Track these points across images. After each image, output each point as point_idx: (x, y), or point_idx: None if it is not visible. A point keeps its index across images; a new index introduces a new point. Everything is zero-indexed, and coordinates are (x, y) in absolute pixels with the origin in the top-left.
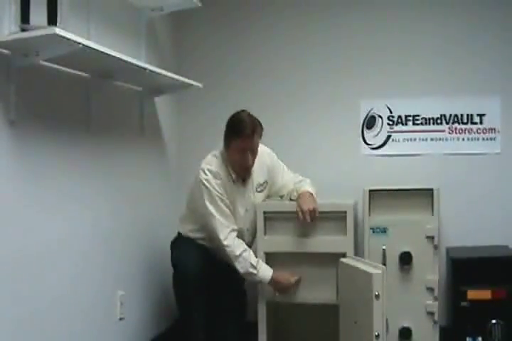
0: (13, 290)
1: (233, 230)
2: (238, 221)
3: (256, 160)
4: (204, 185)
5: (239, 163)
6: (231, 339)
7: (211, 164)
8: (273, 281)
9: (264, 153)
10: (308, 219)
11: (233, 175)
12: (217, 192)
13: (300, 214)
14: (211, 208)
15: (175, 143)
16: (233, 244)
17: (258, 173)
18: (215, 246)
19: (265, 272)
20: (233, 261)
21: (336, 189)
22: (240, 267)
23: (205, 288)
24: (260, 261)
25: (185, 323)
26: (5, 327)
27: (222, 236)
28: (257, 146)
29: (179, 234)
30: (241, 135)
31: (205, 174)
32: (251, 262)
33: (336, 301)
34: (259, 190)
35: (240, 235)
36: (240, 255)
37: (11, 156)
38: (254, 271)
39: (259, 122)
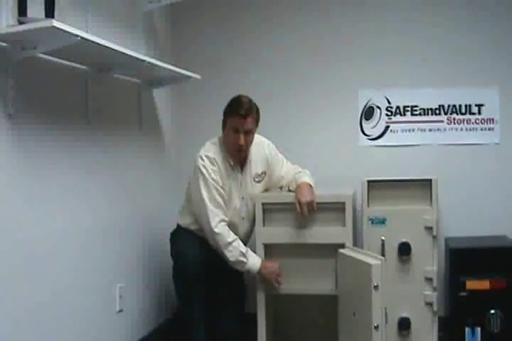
0: (13, 283)
1: (223, 220)
2: (233, 209)
3: (255, 151)
4: (200, 170)
5: (233, 142)
6: (231, 330)
7: (209, 151)
8: (262, 267)
9: (263, 144)
10: (306, 211)
11: (231, 162)
12: (213, 179)
13: (298, 206)
14: (205, 195)
15: (173, 135)
16: (223, 232)
17: (257, 163)
18: (205, 234)
19: (254, 261)
20: (223, 249)
21: (335, 180)
22: (230, 255)
23: (205, 279)
24: (249, 249)
25: (185, 314)
26: (5, 319)
27: (212, 224)
28: (253, 130)
29: (178, 225)
30: (236, 113)
31: (202, 160)
32: (241, 250)
33: (335, 292)
34: (257, 180)
35: (236, 223)
36: (231, 243)
37: (10, 150)
38: (244, 260)
39: (257, 107)
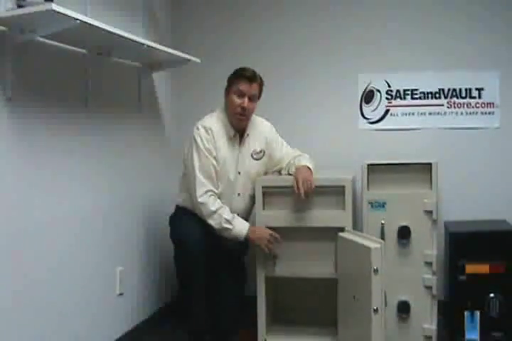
0: (13, 267)
1: (210, 191)
2: (227, 181)
3: (254, 128)
4: (195, 139)
5: (236, 106)
6: (231, 312)
7: (205, 121)
8: (250, 231)
9: (263, 124)
10: (303, 195)
11: (230, 133)
12: (205, 148)
13: (296, 186)
14: (196, 163)
15: (173, 119)
16: (208, 202)
17: (255, 140)
18: (192, 205)
19: (241, 227)
20: (207, 217)
21: (335, 163)
22: (215, 223)
23: (205, 261)
24: (236, 216)
25: (186, 297)
26: (5, 302)
27: (198, 194)
28: (256, 98)
29: (176, 206)
30: (243, 77)
31: (198, 129)
32: (226, 218)
33: (335, 275)
34: (255, 157)
35: (229, 198)
36: (215, 211)
37: (9, 134)
38: (230, 226)
39: (261, 78)
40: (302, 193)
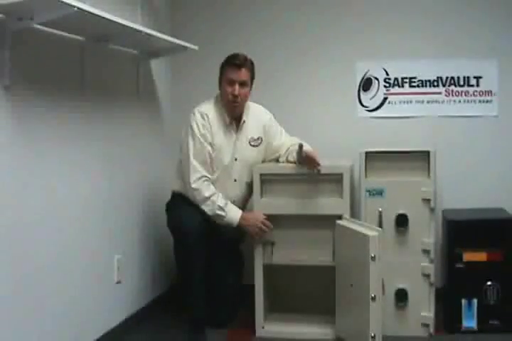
0: (12, 255)
1: (204, 176)
2: (223, 167)
3: (252, 115)
4: (191, 125)
5: (228, 94)
6: (229, 301)
7: (202, 106)
8: (241, 219)
9: (262, 112)
10: (319, 168)
11: (226, 119)
12: (201, 133)
13: (315, 163)
14: (191, 149)
15: (171, 106)
16: (201, 187)
17: (253, 128)
18: (186, 191)
19: (233, 214)
20: (200, 203)
21: (333, 151)
22: (208, 209)
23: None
24: (229, 203)
25: (186, 285)
26: (4, 291)
27: (191, 179)
28: (248, 83)
29: (173, 193)
30: (231, 64)
31: (194, 115)
32: (219, 204)
33: (333, 263)
34: (253, 143)
35: (226, 184)
36: (208, 198)
37: (7, 121)
38: (223, 213)
39: (252, 62)
40: (319, 166)
